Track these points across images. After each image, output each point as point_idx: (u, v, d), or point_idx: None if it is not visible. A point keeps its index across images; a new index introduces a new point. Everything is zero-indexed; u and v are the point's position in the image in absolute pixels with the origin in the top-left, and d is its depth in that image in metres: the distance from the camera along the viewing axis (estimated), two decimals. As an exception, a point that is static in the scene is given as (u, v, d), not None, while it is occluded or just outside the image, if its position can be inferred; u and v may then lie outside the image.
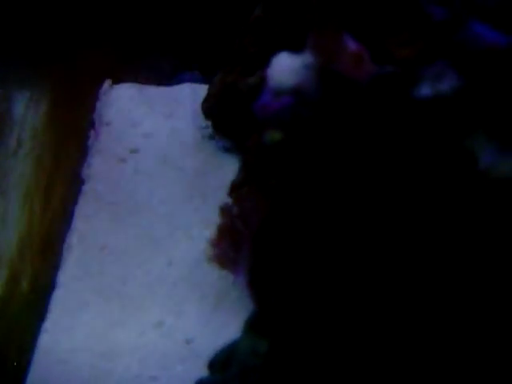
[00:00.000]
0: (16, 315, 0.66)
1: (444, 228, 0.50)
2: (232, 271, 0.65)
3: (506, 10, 0.50)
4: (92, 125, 0.81)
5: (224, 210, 0.64)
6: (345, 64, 0.49)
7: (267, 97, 0.51)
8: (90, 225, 0.74)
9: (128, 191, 0.77)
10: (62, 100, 0.76)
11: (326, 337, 0.53)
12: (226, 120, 0.77)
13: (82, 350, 0.66)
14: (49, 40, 0.74)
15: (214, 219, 0.66)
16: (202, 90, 0.81)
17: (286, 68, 0.51)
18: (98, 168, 0.78)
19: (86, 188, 0.77)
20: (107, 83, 0.84)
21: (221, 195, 0.66)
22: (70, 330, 0.67)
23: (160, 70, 0.86)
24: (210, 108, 0.78)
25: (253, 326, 0.57)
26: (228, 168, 0.73)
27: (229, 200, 0.65)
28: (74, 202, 0.75)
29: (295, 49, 0.52)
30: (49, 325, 0.68)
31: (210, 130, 0.80)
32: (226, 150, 0.79)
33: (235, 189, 0.65)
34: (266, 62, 0.53)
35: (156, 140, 0.81)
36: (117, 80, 0.85)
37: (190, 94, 0.83)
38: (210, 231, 0.67)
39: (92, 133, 0.81)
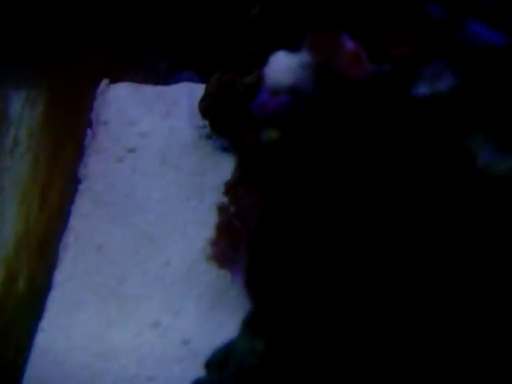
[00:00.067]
0: (12, 315, 0.66)
1: (442, 227, 0.50)
2: (230, 270, 0.65)
3: (504, 9, 0.50)
4: (89, 124, 0.81)
5: (222, 209, 0.63)
6: (342, 63, 0.49)
7: (264, 96, 0.51)
8: (86, 224, 0.74)
9: (125, 191, 0.77)
10: (58, 99, 0.75)
11: (324, 336, 0.53)
12: (224, 119, 0.77)
13: (79, 350, 0.66)
14: (46, 39, 0.74)
15: (212, 219, 0.66)
16: (199, 89, 0.81)
17: (283, 67, 0.51)
18: (95, 167, 0.78)
19: (82, 187, 0.77)
20: (104, 82, 0.84)
21: (218, 195, 0.66)
22: (67, 330, 0.67)
23: (157, 70, 0.86)
24: (207, 107, 0.78)
25: (250, 325, 0.56)
26: (225, 167, 0.73)
27: (225, 199, 0.65)
28: (71, 201, 0.75)
29: (292, 47, 0.52)
30: (45, 324, 0.67)
31: (207, 130, 0.80)
32: (224, 149, 0.79)
33: (232, 188, 0.64)
34: (263, 61, 0.53)
35: (153, 139, 0.81)
36: (114, 79, 0.85)
37: (187, 94, 0.83)
38: (207, 231, 0.67)
39: (89, 132, 0.81)
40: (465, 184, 0.50)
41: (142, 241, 0.73)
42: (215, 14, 0.84)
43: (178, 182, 0.77)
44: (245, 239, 0.59)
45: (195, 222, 0.74)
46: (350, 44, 0.49)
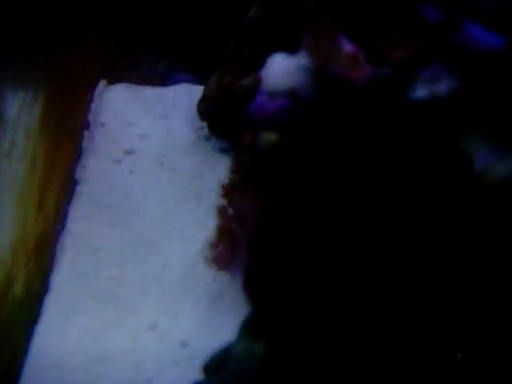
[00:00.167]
0: (9, 318, 0.65)
1: (440, 231, 0.50)
2: (229, 272, 0.64)
3: (502, 11, 0.50)
4: (87, 126, 0.81)
5: (221, 212, 0.63)
6: (340, 65, 0.49)
7: (262, 99, 0.51)
8: (84, 226, 0.74)
9: (123, 192, 0.77)
10: (56, 101, 0.75)
11: (322, 338, 0.53)
12: (222, 121, 0.77)
13: (76, 353, 0.66)
14: (43, 40, 0.74)
15: (210, 220, 0.66)
16: (197, 90, 0.81)
17: (280, 70, 0.51)
18: (93, 169, 0.78)
19: (80, 189, 0.77)
20: (102, 84, 0.84)
21: (216, 196, 0.66)
22: (64, 333, 0.67)
23: (155, 71, 0.86)
24: (205, 109, 0.78)
25: (249, 327, 0.56)
26: (224, 169, 0.73)
27: (224, 201, 0.65)
28: (68, 203, 0.75)
29: (291, 49, 0.52)
30: (42, 327, 0.67)
31: (205, 131, 0.80)
32: (222, 150, 0.79)
33: (230, 190, 0.64)
34: (261, 63, 0.52)
35: (151, 141, 0.80)
36: (112, 81, 0.84)
37: (186, 95, 0.83)
38: (205, 233, 0.67)
39: (86, 134, 0.80)
40: (462, 187, 0.50)
41: (139, 243, 0.73)
42: (213, 16, 0.84)
43: (175, 183, 0.77)
44: (244, 242, 0.59)
45: (193, 223, 0.74)
46: (348, 46, 0.49)
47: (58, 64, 0.77)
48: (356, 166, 0.50)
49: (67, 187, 0.76)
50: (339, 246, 0.52)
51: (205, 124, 0.79)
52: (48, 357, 0.65)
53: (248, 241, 0.58)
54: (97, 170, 0.78)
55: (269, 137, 0.51)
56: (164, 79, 0.85)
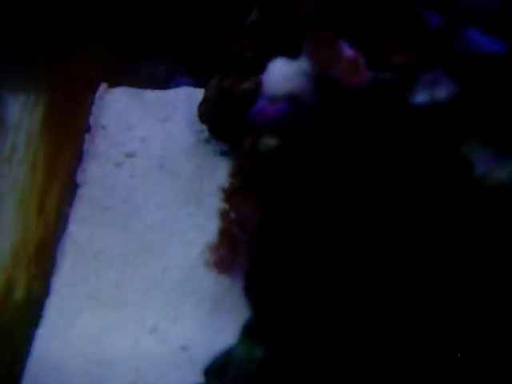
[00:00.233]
0: (10, 321, 0.65)
1: (441, 235, 0.50)
2: (229, 276, 0.64)
3: (502, 16, 0.50)
4: (87, 129, 0.81)
5: (222, 215, 0.63)
6: (341, 70, 0.49)
7: (263, 103, 0.51)
8: (84, 230, 0.74)
9: (123, 196, 0.77)
10: (57, 104, 0.75)
11: (323, 342, 0.53)
12: (222, 124, 0.77)
13: (77, 357, 0.66)
14: (44, 44, 0.74)
15: (210, 224, 0.66)
16: (197, 93, 0.81)
17: (281, 74, 0.51)
18: (94, 172, 0.78)
19: (81, 192, 0.77)
20: (103, 87, 0.84)
21: (217, 200, 0.66)
22: (65, 337, 0.67)
23: (155, 74, 0.86)
24: (205, 112, 0.78)
25: (249, 331, 0.56)
26: (224, 172, 0.73)
27: (225, 205, 0.65)
28: (69, 206, 0.75)
29: (291, 54, 0.52)
30: (43, 331, 0.67)
31: (205, 134, 0.80)
32: (222, 153, 0.79)
33: (231, 194, 0.64)
34: (261, 67, 0.52)
35: (152, 144, 0.80)
36: (112, 84, 0.84)
37: (186, 98, 0.83)
38: (206, 236, 0.67)
39: (87, 137, 0.80)
40: (463, 192, 0.50)
41: (140, 246, 0.73)
42: (213, 19, 0.84)
43: (176, 186, 0.77)
44: (244, 245, 0.59)
45: (194, 227, 0.74)
46: (348, 51, 0.49)
47: (58, 67, 0.77)
48: (356, 170, 0.50)
49: (68, 190, 0.76)
50: (339, 250, 0.52)
51: (205, 127, 0.79)
52: (48, 360, 0.65)
53: (249, 244, 0.58)
54: (97, 173, 0.78)
55: (269, 141, 0.51)
56: (164, 82, 0.85)
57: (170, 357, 0.66)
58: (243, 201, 0.60)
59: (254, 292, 0.56)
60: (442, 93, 0.49)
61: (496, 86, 0.49)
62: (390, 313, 0.52)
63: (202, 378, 0.60)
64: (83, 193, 0.77)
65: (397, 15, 0.49)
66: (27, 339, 0.66)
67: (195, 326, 0.68)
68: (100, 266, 0.72)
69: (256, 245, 0.56)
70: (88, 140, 0.80)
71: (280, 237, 0.53)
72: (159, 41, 0.85)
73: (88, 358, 0.65)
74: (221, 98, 0.75)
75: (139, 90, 0.84)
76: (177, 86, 0.85)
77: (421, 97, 0.49)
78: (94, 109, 0.83)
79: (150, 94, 0.84)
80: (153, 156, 0.79)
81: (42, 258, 0.70)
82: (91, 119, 0.82)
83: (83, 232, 0.74)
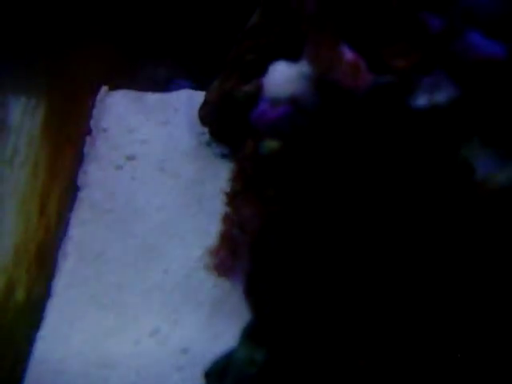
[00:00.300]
0: (11, 323, 0.65)
1: (442, 238, 0.50)
2: (230, 279, 0.64)
3: (503, 19, 0.50)
4: (88, 132, 0.81)
5: (224, 218, 0.63)
6: (342, 73, 0.49)
7: (264, 106, 0.51)
8: (85, 232, 0.74)
9: (124, 198, 0.77)
10: (58, 107, 0.75)
11: (324, 345, 0.53)
12: (223, 127, 0.77)
13: (78, 359, 0.66)
14: (45, 47, 0.74)
15: (211, 226, 0.66)
16: (198, 96, 0.81)
17: (282, 77, 0.51)
18: (95, 175, 0.78)
19: (82, 195, 0.77)
20: (104, 90, 0.84)
21: (217, 202, 0.66)
22: (66, 339, 0.67)
23: (156, 77, 0.86)
24: (206, 115, 0.78)
25: (250, 334, 0.56)
26: (225, 175, 0.73)
27: (226, 208, 0.65)
28: (70, 209, 0.75)
29: (292, 56, 0.52)
30: (44, 333, 0.67)
31: (206, 137, 0.80)
32: (223, 156, 0.79)
33: (233, 197, 0.64)
34: (262, 70, 0.53)
35: (153, 147, 0.81)
36: (113, 87, 0.85)
37: (187, 101, 0.83)
38: (206, 238, 0.67)
39: (88, 139, 0.81)
40: (463, 195, 0.50)
41: (141, 249, 0.73)
42: (215, 22, 0.84)
43: (177, 189, 0.77)
44: (245, 248, 0.59)
45: (194, 229, 0.74)
46: (349, 55, 0.49)
47: (59, 70, 0.77)
48: (357, 173, 0.50)
49: (69, 193, 0.76)
50: (340, 253, 0.52)
51: (206, 130, 0.79)
52: (50, 362, 0.65)
53: (249, 247, 0.58)
54: (98, 176, 0.78)
55: (271, 144, 0.51)
56: (165, 85, 0.86)
57: (171, 359, 0.66)
58: (244, 203, 0.60)
59: (254, 295, 0.56)
60: (442, 96, 0.49)
61: (496, 89, 0.50)
62: (391, 317, 0.52)
63: (202, 381, 0.60)
64: (84, 195, 0.77)
65: (398, 19, 0.49)
66: (29, 341, 0.66)
67: (196, 329, 0.68)
68: (101, 268, 0.72)
69: (257, 247, 0.56)
70: (89, 143, 0.80)
71: (281, 239, 0.53)
72: (160, 44, 0.86)
73: (89, 359, 0.65)
74: (222, 100, 0.75)
75: (140, 93, 0.85)
76: (178, 88, 0.85)
77: (422, 100, 0.49)
78: (95, 111, 0.83)
79: (151, 97, 0.84)
80: (154, 159, 0.80)
81: (43, 260, 0.70)
82: (92, 122, 0.82)
83: (84, 234, 0.74)
